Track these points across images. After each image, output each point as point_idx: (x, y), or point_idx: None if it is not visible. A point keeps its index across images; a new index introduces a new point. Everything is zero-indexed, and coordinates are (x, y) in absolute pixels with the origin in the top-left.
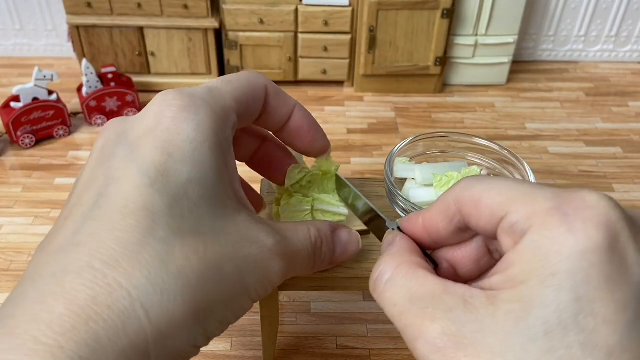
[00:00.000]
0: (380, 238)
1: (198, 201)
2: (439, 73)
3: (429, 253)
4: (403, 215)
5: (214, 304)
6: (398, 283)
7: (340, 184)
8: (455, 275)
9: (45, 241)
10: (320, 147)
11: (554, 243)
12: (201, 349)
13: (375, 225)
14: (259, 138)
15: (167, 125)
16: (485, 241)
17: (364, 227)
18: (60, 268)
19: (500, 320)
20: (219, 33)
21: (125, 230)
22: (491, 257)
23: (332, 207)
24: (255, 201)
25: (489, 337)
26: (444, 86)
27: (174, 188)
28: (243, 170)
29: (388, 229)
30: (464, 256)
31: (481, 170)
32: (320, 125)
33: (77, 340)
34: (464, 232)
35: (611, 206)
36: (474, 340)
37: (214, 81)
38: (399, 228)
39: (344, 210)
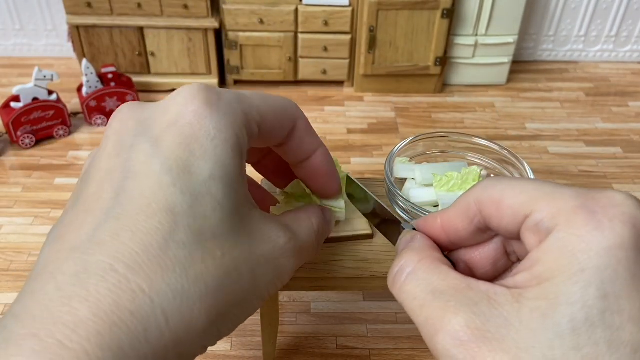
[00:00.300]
0: (392, 240)
1: (222, 199)
2: (439, 73)
3: (446, 254)
4: (403, 215)
5: (229, 307)
6: (420, 276)
7: (352, 185)
8: (473, 276)
9: (60, 231)
10: (330, 192)
11: (581, 240)
12: None
13: (387, 227)
14: (264, 150)
15: (190, 120)
16: (504, 242)
17: (366, 231)
18: (83, 268)
19: (525, 317)
20: (219, 33)
21: (148, 232)
22: (508, 259)
23: (334, 202)
24: (266, 198)
25: (514, 333)
26: (444, 86)
27: (196, 186)
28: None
29: (401, 230)
30: (481, 257)
31: (481, 170)
32: (321, 125)
33: (101, 346)
34: (484, 232)
35: (637, 205)
36: (499, 335)
37: (249, 91)
38: (414, 229)
39: (342, 204)
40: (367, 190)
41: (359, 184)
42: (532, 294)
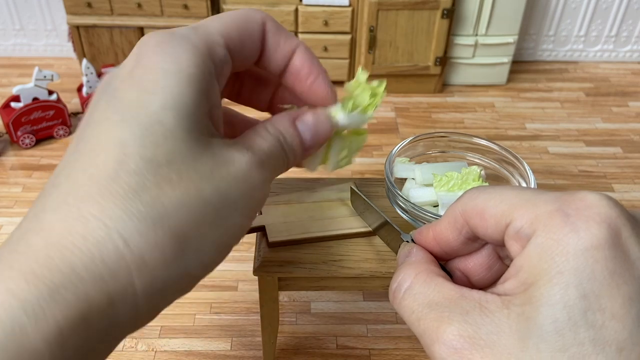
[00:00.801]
0: (393, 249)
1: (173, 127)
2: (439, 73)
3: (442, 264)
4: (403, 215)
5: (199, 227)
6: (416, 290)
7: (355, 197)
8: (469, 284)
9: None
10: (322, 93)
11: (558, 243)
12: (200, 348)
13: (387, 236)
14: (272, 85)
15: (144, 63)
16: (495, 248)
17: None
18: (40, 208)
19: (514, 323)
20: None
21: (97, 166)
22: (502, 263)
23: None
24: (246, 124)
25: (505, 339)
26: (444, 86)
27: (145, 117)
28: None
29: (402, 241)
30: (475, 265)
31: (481, 170)
32: None
33: (50, 267)
34: (474, 241)
35: (611, 204)
36: (490, 341)
37: (206, 19)
38: (412, 240)
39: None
40: (368, 200)
41: (361, 194)
42: (519, 299)
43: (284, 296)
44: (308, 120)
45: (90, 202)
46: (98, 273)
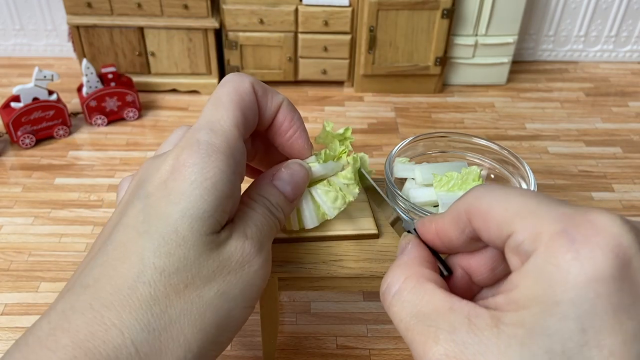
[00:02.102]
0: (398, 233)
1: (186, 234)
2: (439, 73)
3: (443, 258)
4: (404, 215)
5: (200, 331)
6: (405, 297)
7: (361, 177)
8: (470, 282)
9: (71, 277)
10: (299, 147)
11: (558, 270)
12: None
13: (398, 226)
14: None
15: (176, 176)
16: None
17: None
18: (69, 306)
19: (503, 344)
20: (219, 33)
21: (121, 276)
22: (507, 265)
23: (346, 181)
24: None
25: None
26: (444, 86)
27: (165, 227)
28: None
29: (405, 230)
30: (479, 264)
31: (481, 170)
32: (321, 125)
33: None
34: (477, 241)
35: (623, 231)
36: None
37: (208, 110)
38: (415, 230)
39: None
40: (377, 187)
41: (370, 181)
42: (510, 319)
43: (284, 296)
44: (284, 176)
45: (112, 310)
46: None
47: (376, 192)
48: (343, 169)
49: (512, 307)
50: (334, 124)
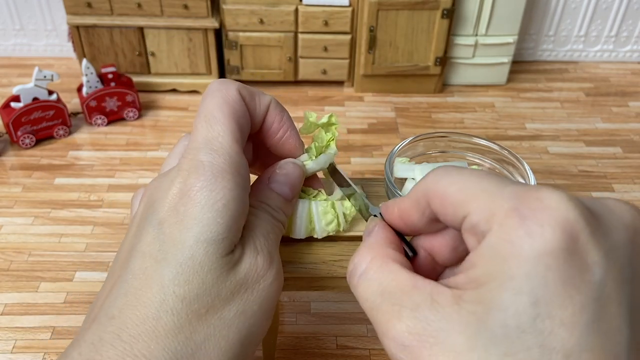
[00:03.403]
0: (366, 220)
1: (202, 260)
2: (439, 73)
3: (408, 240)
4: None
5: (234, 350)
6: (370, 277)
7: (336, 174)
8: (433, 263)
9: (94, 302)
10: (291, 146)
11: (511, 246)
12: None
13: (362, 210)
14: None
15: (185, 201)
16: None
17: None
18: (98, 338)
19: (464, 321)
20: (219, 33)
21: (145, 305)
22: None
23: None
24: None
25: (453, 337)
26: (444, 86)
27: (181, 254)
28: None
29: (371, 215)
30: (441, 245)
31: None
32: None
33: None
34: (438, 222)
35: (571, 206)
36: (439, 339)
37: (202, 127)
38: (381, 214)
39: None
40: (345, 174)
41: (340, 170)
42: (469, 296)
43: (284, 296)
44: (280, 178)
45: (139, 341)
46: None
47: (343, 180)
48: (332, 163)
49: (471, 285)
50: (316, 113)
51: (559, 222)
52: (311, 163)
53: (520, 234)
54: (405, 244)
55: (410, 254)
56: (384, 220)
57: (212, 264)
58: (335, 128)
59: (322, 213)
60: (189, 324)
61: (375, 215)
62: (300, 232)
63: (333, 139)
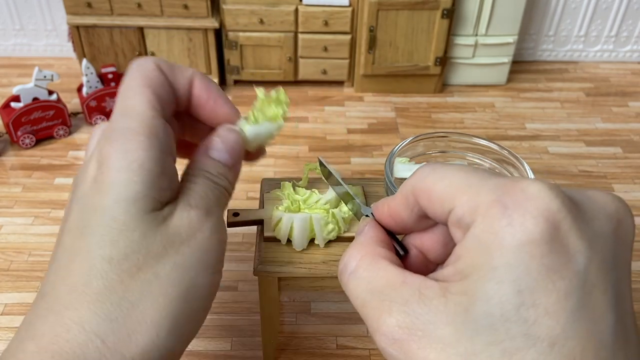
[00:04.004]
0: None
1: (125, 219)
2: (439, 73)
3: (399, 239)
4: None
5: (165, 307)
6: (360, 275)
7: (323, 169)
8: (425, 260)
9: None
10: (224, 113)
11: (494, 237)
12: (200, 348)
13: (354, 209)
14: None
15: (102, 170)
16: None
17: None
18: (33, 317)
19: (451, 312)
20: (219, 33)
21: (73, 275)
22: None
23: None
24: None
25: (441, 329)
26: (443, 86)
27: (101, 219)
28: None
29: (363, 215)
30: (431, 241)
31: None
32: (321, 125)
33: None
34: (427, 219)
35: (552, 195)
36: (427, 331)
37: (119, 100)
38: (372, 214)
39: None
40: (335, 173)
41: (330, 169)
42: (456, 288)
43: (284, 296)
44: (217, 145)
45: (70, 309)
46: None
47: (335, 180)
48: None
49: (458, 277)
50: (264, 89)
51: (540, 212)
52: (250, 128)
53: (503, 224)
54: (397, 243)
55: (401, 252)
56: (375, 219)
57: (136, 222)
58: (286, 105)
59: (324, 225)
60: (121, 284)
61: (367, 215)
62: (301, 243)
63: (283, 111)
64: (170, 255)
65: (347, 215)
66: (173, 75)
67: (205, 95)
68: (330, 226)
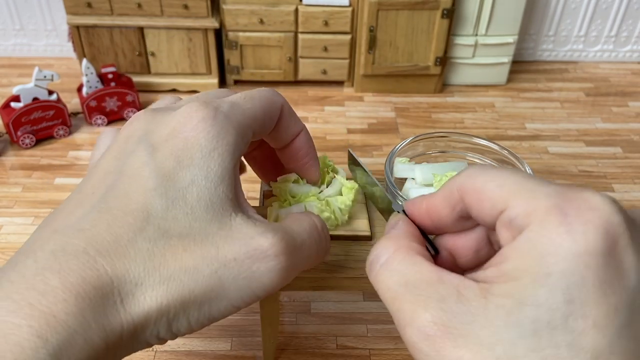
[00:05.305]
0: (387, 219)
1: (194, 204)
2: (439, 73)
3: (431, 239)
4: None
5: (184, 303)
6: (394, 267)
7: (351, 161)
8: (453, 264)
9: (52, 217)
10: (311, 175)
11: (551, 243)
12: (200, 348)
13: (381, 205)
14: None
15: (185, 135)
16: (487, 231)
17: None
18: (60, 247)
19: (491, 314)
20: (219, 33)
21: (122, 226)
22: (491, 248)
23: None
24: None
25: (479, 330)
26: (444, 86)
27: (174, 192)
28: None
29: (394, 211)
30: (464, 245)
31: None
32: (321, 125)
33: (67, 311)
34: (466, 220)
35: (614, 210)
36: (464, 331)
37: (237, 95)
38: (404, 211)
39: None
40: (366, 168)
41: (360, 162)
42: (499, 290)
43: (284, 296)
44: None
45: (106, 258)
46: (102, 324)
47: (372, 185)
48: (342, 193)
49: (502, 279)
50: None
51: (602, 223)
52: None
53: (561, 232)
54: (428, 242)
55: (432, 252)
56: (407, 216)
57: (202, 213)
58: (329, 167)
59: (319, 213)
60: (162, 257)
61: (398, 212)
62: None
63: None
64: (218, 263)
65: (344, 207)
66: (287, 121)
67: (305, 152)
68: (326, 214)
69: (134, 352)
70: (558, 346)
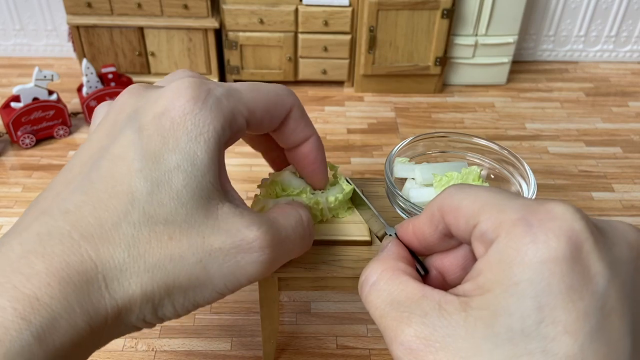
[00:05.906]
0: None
1: (180, 189)
2: (439, 73)
3: (421, 260)
4: (403, 215)
5: (169, 289)
6: (381, 287)
7: (357, 197)
8: (444, 282)
9: (40, 197)
10: (317, 181)
11: (517, 253)
12: (200, 348)
13: (376, 228)
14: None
15: (173, 115)
16: (472, 248)
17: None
18: (46, 230)
19: (470, 326)
20: (219, 33)
21: (107, 209)
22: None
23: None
24: None
25: (459, 342)
26: (444, 86)
27: (159, 175)
28: (243, 168)
29: (387, 234)
30: (451, 263)
31: (481, 170)
32: (321, 125)
33: (51, 295)
34: (450, 238)
35: (576, 217)
36: (445, 344)
37: (245, 83)
38: (395, 234)
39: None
40: (361, 193)
41: (354, 188)
42: (476, 303)
43: (284, 296)
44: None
45: (90, 242)
46: (86, 308)
47: (365, 206)
48: (350, 183)
49: (478, 292)
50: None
51: (564, 231)
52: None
53: (526, 241)
54: (418, 263)
55: (422, 272)
56: (398, 239)
57: (188, 199)
58: (338, 175)
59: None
60: (147, 243)
61: (390, 235)
62: None
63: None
64: (204, 251)
65: (332, 206)
66: (295, 123)
67: (314, 157)
68: (313, 213)
69: (122, 335)
70: (532, 353)
